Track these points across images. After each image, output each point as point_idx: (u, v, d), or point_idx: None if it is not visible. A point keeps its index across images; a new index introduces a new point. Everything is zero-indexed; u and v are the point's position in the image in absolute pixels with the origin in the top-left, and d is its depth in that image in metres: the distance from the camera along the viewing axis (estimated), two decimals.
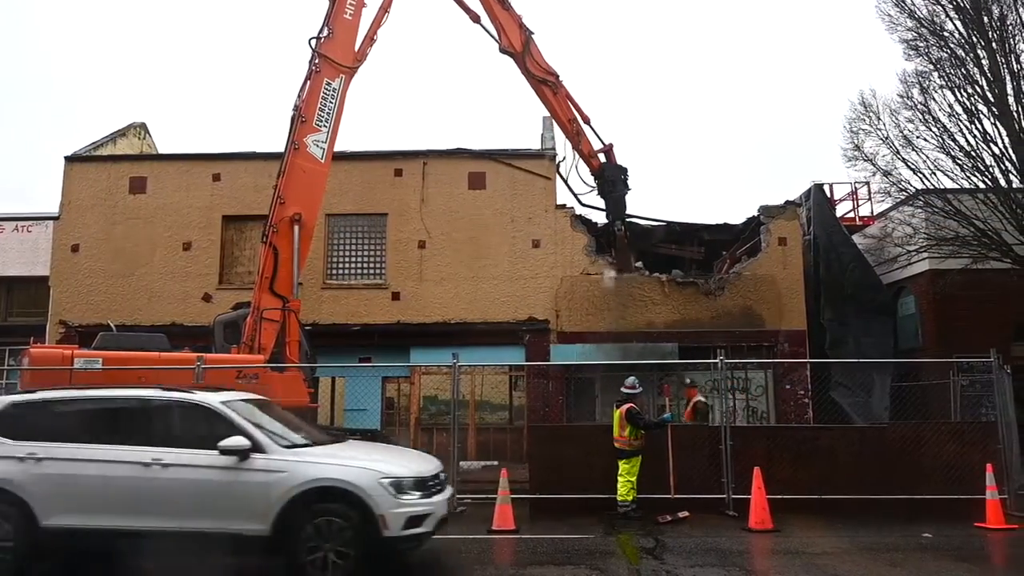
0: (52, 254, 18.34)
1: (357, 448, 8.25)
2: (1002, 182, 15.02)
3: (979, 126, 15.17)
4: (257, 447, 6.96)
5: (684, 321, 17.27)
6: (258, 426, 7.31)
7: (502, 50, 17.16)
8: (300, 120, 14.86)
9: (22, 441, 7.13)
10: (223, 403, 7.39)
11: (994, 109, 15.00)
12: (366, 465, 7.11)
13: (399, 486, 6.93)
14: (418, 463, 7.64)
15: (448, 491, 7.68)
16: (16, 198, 54.30)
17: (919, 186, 16.06)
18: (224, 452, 6.84)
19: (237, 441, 6.88)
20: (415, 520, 6.92)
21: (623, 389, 10.96)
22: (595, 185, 18.17)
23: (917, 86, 15.80)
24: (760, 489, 9.73)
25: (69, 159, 18.87)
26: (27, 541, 6.79)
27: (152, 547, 6.87)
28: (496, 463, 14.76)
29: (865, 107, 16.40)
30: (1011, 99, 14.85)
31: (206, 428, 7.17)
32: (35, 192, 56.45)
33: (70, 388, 8.35)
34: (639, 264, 18.30)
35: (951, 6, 15.64)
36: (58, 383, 12.18)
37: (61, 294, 18.07)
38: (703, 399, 11.17)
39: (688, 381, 11.37)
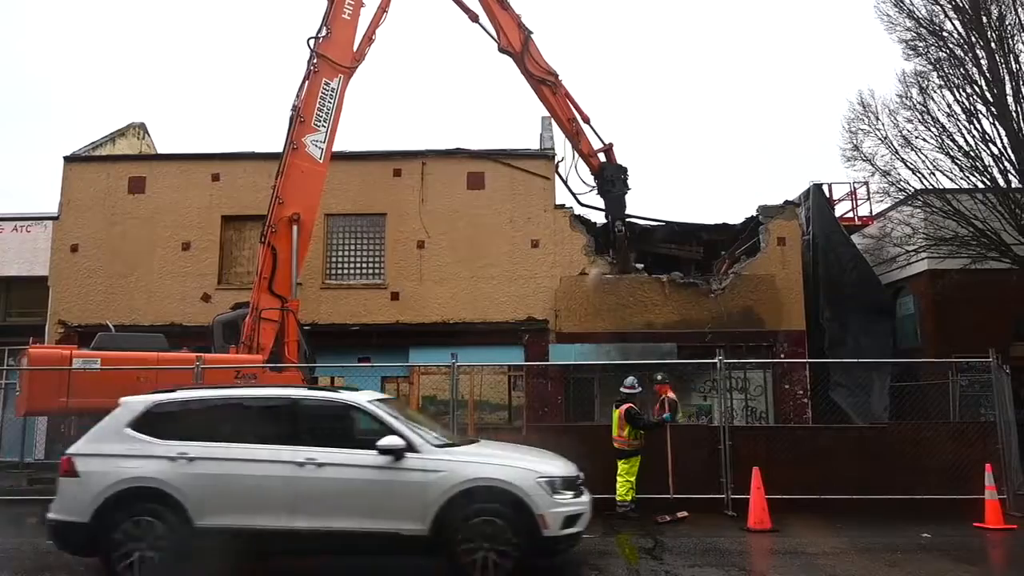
0: (51, 254, 18.32)
1: (498, 447, 8.21)
2: (1001, 182, 15.03)
3: (978, 126, 15.20)
4: (411, 447, 6.94)
5: (684, 322, 17.24)
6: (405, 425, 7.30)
7: (501, 50, 17.16)
8: (299, 120, 14.86)
9: (170, 441, 7.06)
10: (370, 402, 7.40)
11: (993, 109, 15.02)
12: (522, 464, 7.12)
13: (554, 485, 6.93)
14: (560, 463, 7.61)
15: (587, 493, 7.60)
16: (15, 198, 54.28)
17: (918, 186, 16.09)
18: (383, 452, 6.81)
19: (394, 441, 6.86)
20: (571, 520, 6.92)
21: (622, 389, 10.94)
22: (594, 185, 18.18)
23: (916, 86, 15.85)
24: (759, 489, 9.73)
25: (68, 159, 18.85)
26: (181, 541, 6.74)
27: (307, 547, 6.87)
28: None
29: (864, 107, 16.44)
30: (1010, 99, 14.87)
31: (355, 428, 7.20)
32: (34, 192, 56.45)
33: (212, 387, 8.33)
34: (640, 265, 18.26)
35: (950, 6, 15.66)
36: (57, 384, 12.23)
37: (60, 294, 18.05)
38: (673, 396, 11.17)
39: (659, 378, 11.36)
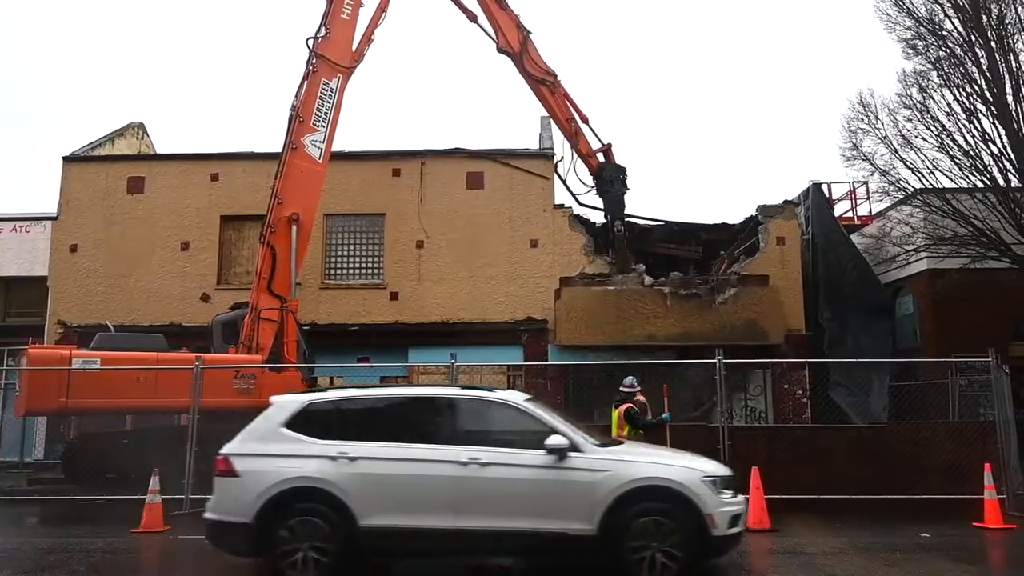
0: (50, 254, 18.32)
1: (646, 447, 8.15)
2: (1000, 181, 15.01)
3: (978, 125, 15.16)
4: (574, 446, 6.89)
5: (686, 334, 16.71)
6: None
7: (500, 50, 17.16)
8: (298, 120, 14.88)
9: (327, 440, 6.99)
10: (526, 401, 7.37)
11: (993, 108, 14.99)
12: (686, 463, 7.10)
13: (716, 484, 6.88)
14: (715, 463, 7.55)
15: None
16: (14, 198, 54.26)
17: (917, 185, 16.06)
18: (551, 451, 6.77)
19: (559, 440, 6.81)
20: (735, 519, 6.88)
21: (622, 389, 10.89)
22: (593, 185, 18.18)
23: (916, 85, 15.80)
24: (758, 489, 9.72)
25: (67, 159, 18.86)
26: (347, 542, 6.66)
27: (474, 547, 6.84)
28: None
29: (863, 106, 16.39)
30: (1009, 98, 14.84)
31: (514, 427, 7.17)
32: (33, 192, 56.42)
33: (364, 387, 8.32)
34: (642, 267, 18.07)
35: (949, 5, 15.61)
36: (56, 384, 12.23)
37: (59, 294, 18.05)
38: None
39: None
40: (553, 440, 6.80)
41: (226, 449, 7.11)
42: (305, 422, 7.16)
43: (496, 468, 6.79)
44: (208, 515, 6.99)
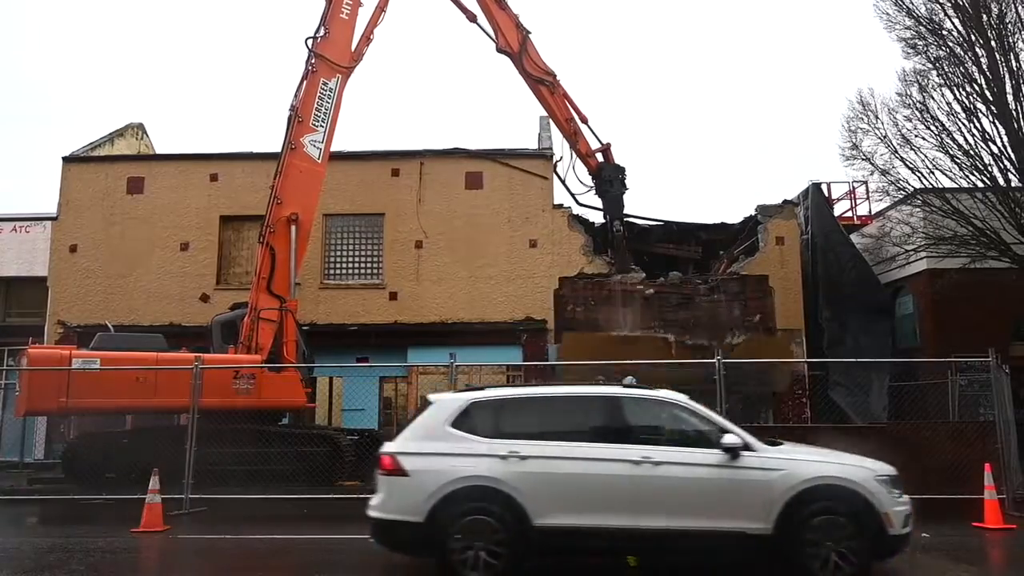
0: (50, 254, 18.33)
1: (810, 447, 8.10)
2: (1000, 181, 14.99)
3: (978, 125, 15.14)
4: (747, 445, 6.86)
5: (691, 379, 16.04)
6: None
7: (499, 50, 17.16)
8: (297, 120, 14.87)
9: (492, 438, 6.91)
10: (690, 399, 7.34)
11: (993, 108, 14.97)
12: (858, 463, 7.07)
13: (888, 483, 6.85)
14: (878, 462, 7.42)
15: None
16: (14, 199, 54.28)
17: (917, 185, 16.05)
18: (726, 450, 6.74)
19: (734, 439, 6.79)
20: (907, 518, 6.83)
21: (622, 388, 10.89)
22: (592, 185, 18.17)
23: (916, 85, 15.78)
24: None
25: (67, 159, 18.87)
26: (521, 542, 6.59)
27: (651, 547, 6.82)
28: None
29: (863, 106, 16.36)
30: (1010, 98, 14.82)
31: (681, 425, 7.15)
32: (33, 193, 56.43)
33: (524, 386, 8.30)
34: (643, 275, 17.93)
35: (949, 4, 15.59)
36: (56, 384, 12.25)
37: (59, 294, 18.05)
38: None
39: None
40: (728, 439, 6.78)
41: (391, 448, 7.03)
42: (469, 421, 7.10)
43: (669, 467, 6.75)
44: (375, 514, 6.90)
